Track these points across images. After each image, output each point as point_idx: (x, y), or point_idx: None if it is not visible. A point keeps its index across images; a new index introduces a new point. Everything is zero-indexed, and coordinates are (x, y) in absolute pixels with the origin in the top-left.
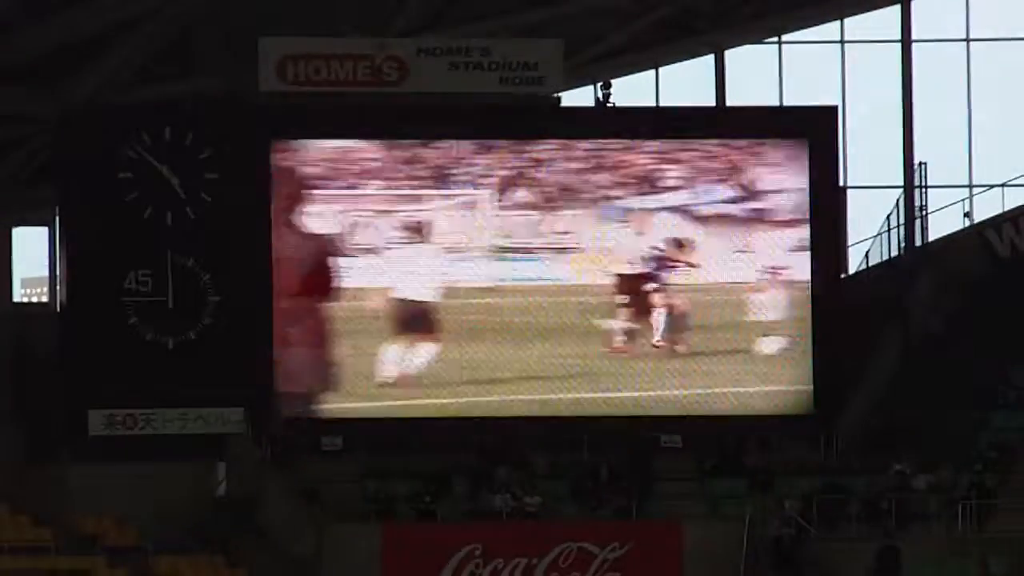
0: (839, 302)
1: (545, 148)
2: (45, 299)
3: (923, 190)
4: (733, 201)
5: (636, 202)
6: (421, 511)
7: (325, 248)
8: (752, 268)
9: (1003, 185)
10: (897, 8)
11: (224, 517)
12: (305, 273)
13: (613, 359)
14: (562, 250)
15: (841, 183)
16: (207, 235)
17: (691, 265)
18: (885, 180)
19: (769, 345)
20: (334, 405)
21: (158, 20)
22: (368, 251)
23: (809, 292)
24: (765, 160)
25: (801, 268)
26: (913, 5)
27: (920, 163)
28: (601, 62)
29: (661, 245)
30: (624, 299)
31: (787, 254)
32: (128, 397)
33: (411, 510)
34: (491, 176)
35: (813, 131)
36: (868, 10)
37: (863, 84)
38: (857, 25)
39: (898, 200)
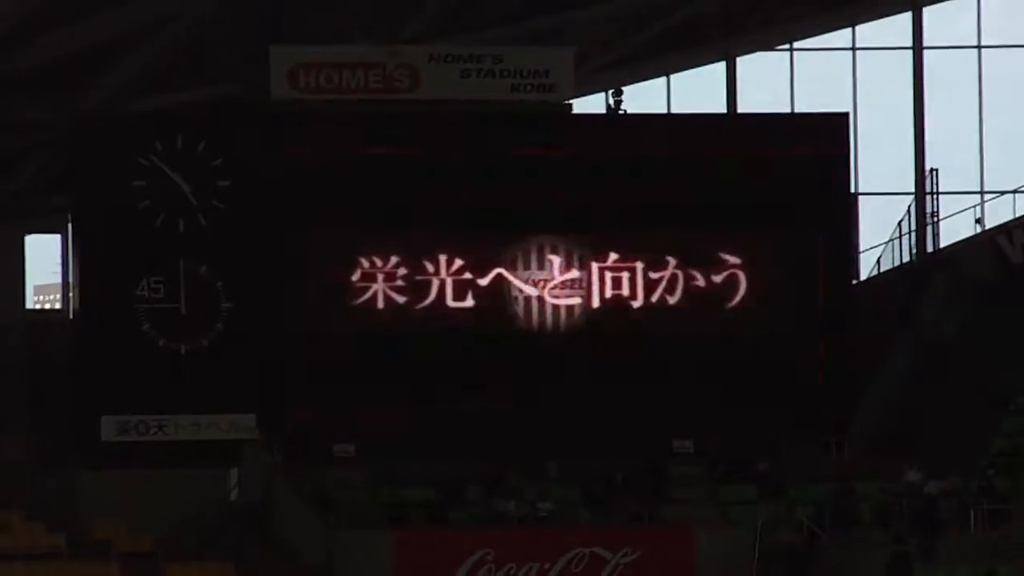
0: (851, 308)
1: None
2: (58, 306)
3: (934, 196)
4: None
5: None
6: (433, 517)
7: None
8: None
9: (1015, 191)
10: (908, 15)
11: (236, 523)
12: None
13: None
14: None
15: (852, 190)
16: (219, 242)
17: None
18: (896, 187)
19: None
20: None
21: (170, 29)
22: None
23: None
24: None
25: None
26: (924, 12)
27: (931, 169)
28: (612, 69)
29: None
30: None
31: None
32: (141, 403)
33: (423, 516)
34: None
35: (825, 138)
36: (879, 17)
37: (874, 91)
38: (868, 32)
39: (909, 206)
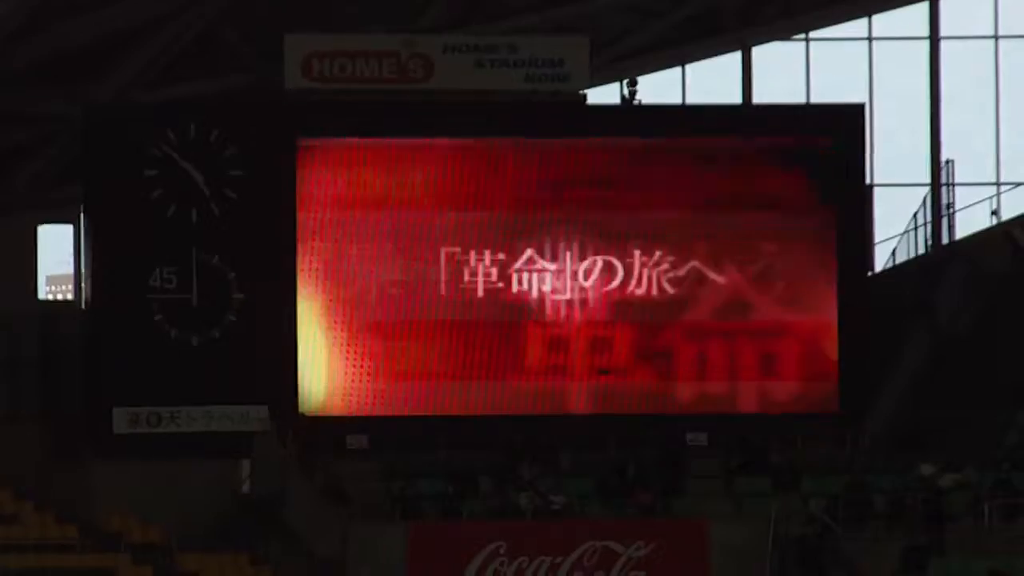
0: (865, 300)
1: None
2: (70, 297)
3: (950, 188)
4: None
5: None
6: (446, 509)
7: None
8: None
9: None
10: (925, 5)
11: (248, 515)
12: None
13: None
14: None
15: (868, 181)
16: (232, 233)
17: None
18: (912, 178)
19: None
20: None
21: (183, 18)
22: None
23: None
24: None
25: None
26: (941, 2)
27: (947, 161)
28: (627, 59)
29: None
30: None
31: None
32: (153, 395)
33: (436, 508)
34: None
35: (840, 129)
36: (896, 7)
37: (891, 81)
38: (885, 22)
39: (925, 198)
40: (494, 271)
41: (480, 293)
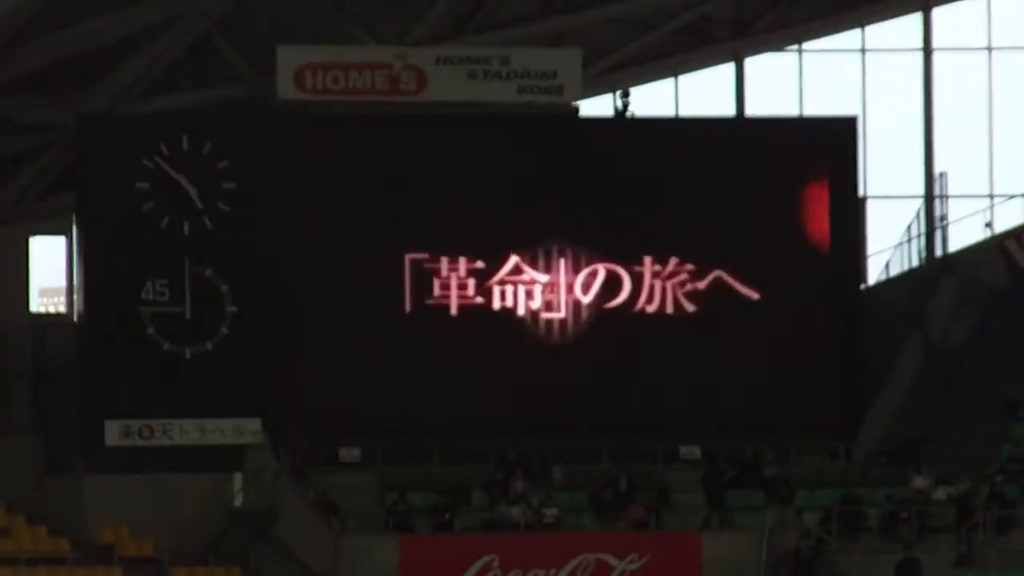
0: (859, 313)
1: None
2: (63, 309)
3: (944, 200)
4: None
5: None
6: (439, 522)
7: None
8: None
9: None
10: (918, 17)
11: (241, 528)
12: None
13: None
14: None
15: (861, 193)
16: (225, 245)
17: None
18: (906, 190)
19: None
20: None
21: (176, 29)
22: None
23: None
24: None
25: None
26: (934, 14)
27: (941, 173)
28: (620, 71)
29: None
30: None
31: None
32: (145, 408)
33: (429, 521)
34: None
35: (833, 141)
36: (889, 19)
37: (884, 93)
38: (878, 34)
39: (919, 210)
40: (493, 281)
41: (479, 303)
